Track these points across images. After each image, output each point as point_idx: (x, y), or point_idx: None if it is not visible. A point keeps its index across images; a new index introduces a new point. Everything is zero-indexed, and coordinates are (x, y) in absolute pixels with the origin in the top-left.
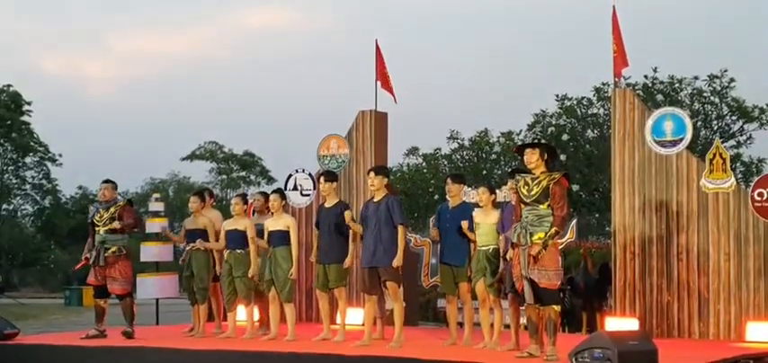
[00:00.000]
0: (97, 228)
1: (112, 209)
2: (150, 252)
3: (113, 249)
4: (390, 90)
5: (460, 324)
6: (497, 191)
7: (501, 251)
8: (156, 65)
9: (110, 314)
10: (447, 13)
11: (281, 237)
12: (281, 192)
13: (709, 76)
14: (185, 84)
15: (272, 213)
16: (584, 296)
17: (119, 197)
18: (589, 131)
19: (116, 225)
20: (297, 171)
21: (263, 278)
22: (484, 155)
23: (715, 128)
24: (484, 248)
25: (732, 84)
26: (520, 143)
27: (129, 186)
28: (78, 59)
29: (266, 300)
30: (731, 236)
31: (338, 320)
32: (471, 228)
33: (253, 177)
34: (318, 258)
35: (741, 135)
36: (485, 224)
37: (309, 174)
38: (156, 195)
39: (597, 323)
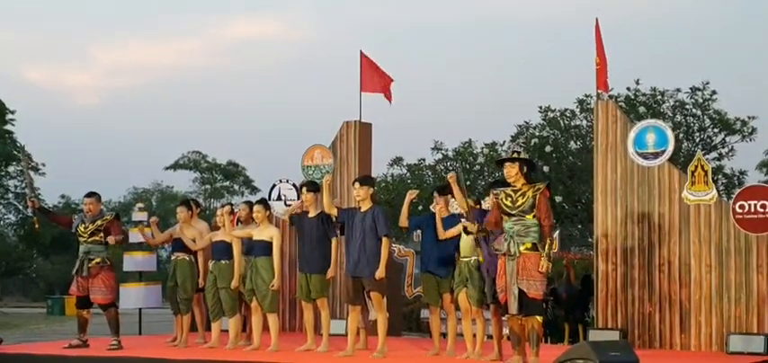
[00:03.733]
0: (81, 239)
1: (99, 222)
2: (133, 261)
3: (97, 260)
4: (384, 91)
5: (444, 335)
6: (482, 202)
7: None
8: (140, 74)
9: (92, 324)
10: (431, 25)
11: (264, 248)
12: (265, 202)
13: (691, 89)
14: (169, 94)
15: (258, 223)
16: (566, 306)
17: (104, 208)
18: (572, 143)
19: (110, 239)
20: (281, 181)
21: (245, 288)
22: (468, 166)
23: (697, 140)
24: (466, 259)
25: (714, 97)
26: (501, 155)
27: (112, 195)
28: (62, 69)
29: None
30: (713, 248)
31: (322, 330)
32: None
33: (236, 187)
34: (300, 266)
35: (723, 147)
36: (469, 236)
37: (293, 184)
38: (140, 205)
39: (580, 334)
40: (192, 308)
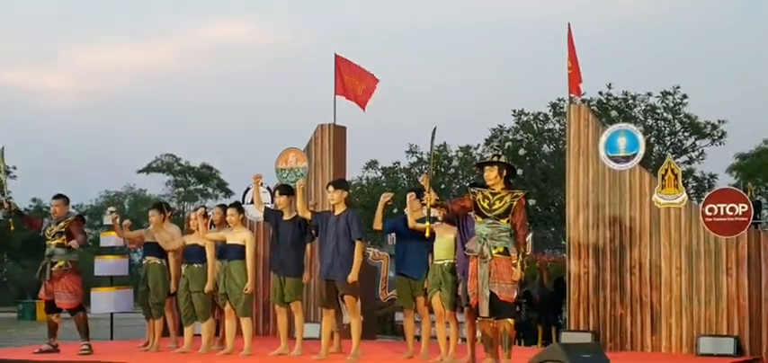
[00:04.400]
0: (48, 242)
1: (62, 224)
2: (105, 265)
3: (60, 263)
4: (366, 91)
5: (418, 338)
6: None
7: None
8: (113, 77)
9: (63, 329)
10: (405, 29)
11: (238, 251)
12: (238, 206)
13: (662, 93)
14: (142, 97)
15: (231, 227)
16: (539, 309)
17: (73, 210)
18: (545, 146)
19: (72, 243)
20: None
21: (219, 291)
22: (442, 170)
23: (668, 143)
24: (440, 262)
25: (684, 101)
26: (479, 158)
27: (84, 199)
28: (34, 72)
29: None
30: (683, 251)
31: (296, 334)
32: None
33: (210, 190)
34: (274, 269)
35: (693, 151)
36: (443, 239)
37: (268, 188)
38: (111, 208)
39: (553, 337)
40: (164, 313)
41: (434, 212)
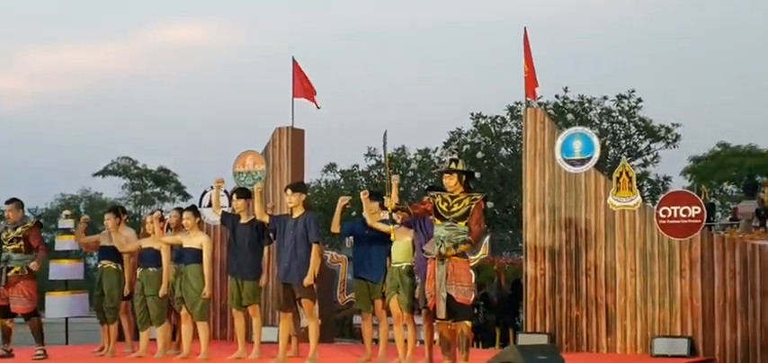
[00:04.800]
0: (3, 247)
1: (20, 230)
2: (60, 269)
3: (16, 268)
4: (312, 99)
5: (376, 341)
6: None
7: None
8: (69, 80)
9: (17, 334)
10: (363, 32)
11: (194, 255)
12: (194, 209)
13: (617, 96)
14: (98, 100)
15: (187, 230)
16: (497, 311)
17: (29, 215)
18: (503, 149)
19: (33, 265)
20: (212, 187)
21: (175, 296)
22: (401, 172)
23: (623, 146)
24: (398, 265)
25: (639, 104)
26: (437, 160)
27: (40, 202)
28: None
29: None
30: (637, 253)
31: (253, 338)
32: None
33: (167, 193)
34: (231, 273)
35: (648, 154)
36: (400, 241)
37: (225, 191)
38: (67, 212)
39: (510, 338)
40: (119, 317)
41: (395, 215)
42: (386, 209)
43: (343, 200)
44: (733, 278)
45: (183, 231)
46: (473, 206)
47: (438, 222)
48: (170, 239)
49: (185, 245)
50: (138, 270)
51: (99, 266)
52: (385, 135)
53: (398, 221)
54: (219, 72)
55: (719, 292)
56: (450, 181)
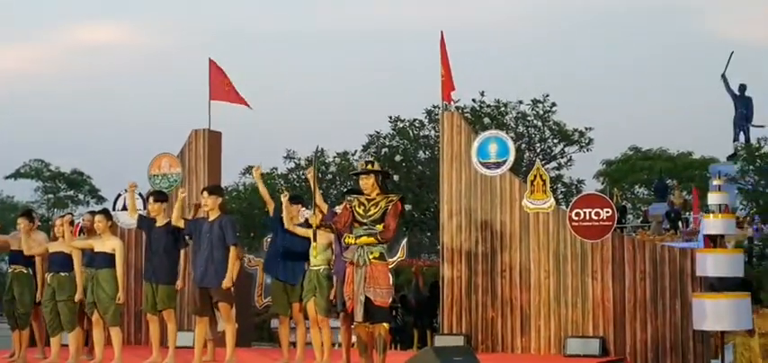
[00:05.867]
0: None
1: None
2: None
3: None
4: (235, 100)
5: (293, 344)
6: (335, 210)
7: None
8: None
9: None
10: (281, 34)
11: (106, 259)
12: (106, 213)
13: (532, 101)
14: (12, 101)
15: (99, 234)
16: (415, 313)
17: None
18: (421, 152)
19: None
20: (126, 191)
21: (86, 300)
22: (320, 175)
23: (538, 150)
24: (316, 268)
25: (554, 109)
26: (354, 165)
27: None
28: None
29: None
30: (551, 254)
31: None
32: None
33: (81, 196)
34: (146, 276)
35: (562, 157)
36: (318, 244)
37: (140, 194)
38: None
39: (429, 340)
40: (30, 323)
41: (310, 216)
42: (307, 219)
43: (257, 169)
44: (643, 279)
45: (96, 234)
46: (390, 207)
47: (356, 225)
48: (81, 243)
49: (96, 249)
50: (48, 275)
51: (9, 271)
52: (316, 150)
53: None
54: (136, 73)
55: (630, 293)
56: (367, 183)
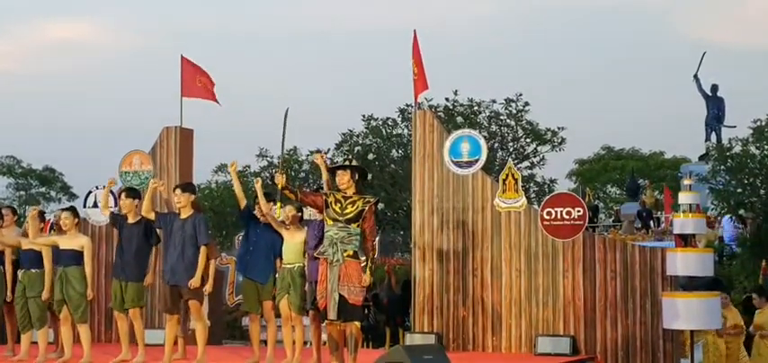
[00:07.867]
0: None
1: None
2: None
3: None
4: (208, 96)
5: (264, 342)
6: (304, 210)
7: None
8: None
9: None
10: (254, 33)
11: (74, 257)
12: (73, 210)
13: (505, 100)
14: None
15: (66, 231)
16: (387, 311)
17: None
18: (394, 151)
19: None
20: (97, 187)
21: (55, 298)
22: (293, 173)
23: (511, 149)
24: (289, 266)
25: (527, 108)
26: (330, 162)
27: None
28: None
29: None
30: (522, 253)
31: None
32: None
33: (53, 193)
34: (115, 274)
35: (535, 156)
36: (291, 242)
37: (111, 191)
38: None
39: (401, 339)
40: (1, 319)
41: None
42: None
43: (232, 164)
44: (613, 278)
45: (63, 232)
46: (366, 209)
47: (330, 222)
48: (44, 240)
49: (62, 247)
50: (19, 272)
51: None
52: (286, 112)
53: (288, 217)
54: (107, 70)
55: (601, 292)
56: (344, 178)
